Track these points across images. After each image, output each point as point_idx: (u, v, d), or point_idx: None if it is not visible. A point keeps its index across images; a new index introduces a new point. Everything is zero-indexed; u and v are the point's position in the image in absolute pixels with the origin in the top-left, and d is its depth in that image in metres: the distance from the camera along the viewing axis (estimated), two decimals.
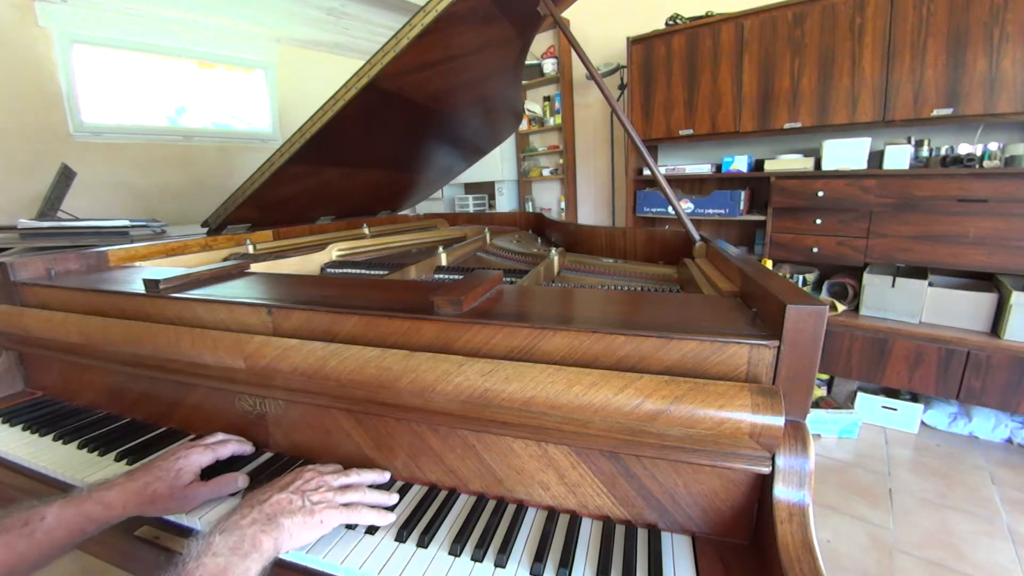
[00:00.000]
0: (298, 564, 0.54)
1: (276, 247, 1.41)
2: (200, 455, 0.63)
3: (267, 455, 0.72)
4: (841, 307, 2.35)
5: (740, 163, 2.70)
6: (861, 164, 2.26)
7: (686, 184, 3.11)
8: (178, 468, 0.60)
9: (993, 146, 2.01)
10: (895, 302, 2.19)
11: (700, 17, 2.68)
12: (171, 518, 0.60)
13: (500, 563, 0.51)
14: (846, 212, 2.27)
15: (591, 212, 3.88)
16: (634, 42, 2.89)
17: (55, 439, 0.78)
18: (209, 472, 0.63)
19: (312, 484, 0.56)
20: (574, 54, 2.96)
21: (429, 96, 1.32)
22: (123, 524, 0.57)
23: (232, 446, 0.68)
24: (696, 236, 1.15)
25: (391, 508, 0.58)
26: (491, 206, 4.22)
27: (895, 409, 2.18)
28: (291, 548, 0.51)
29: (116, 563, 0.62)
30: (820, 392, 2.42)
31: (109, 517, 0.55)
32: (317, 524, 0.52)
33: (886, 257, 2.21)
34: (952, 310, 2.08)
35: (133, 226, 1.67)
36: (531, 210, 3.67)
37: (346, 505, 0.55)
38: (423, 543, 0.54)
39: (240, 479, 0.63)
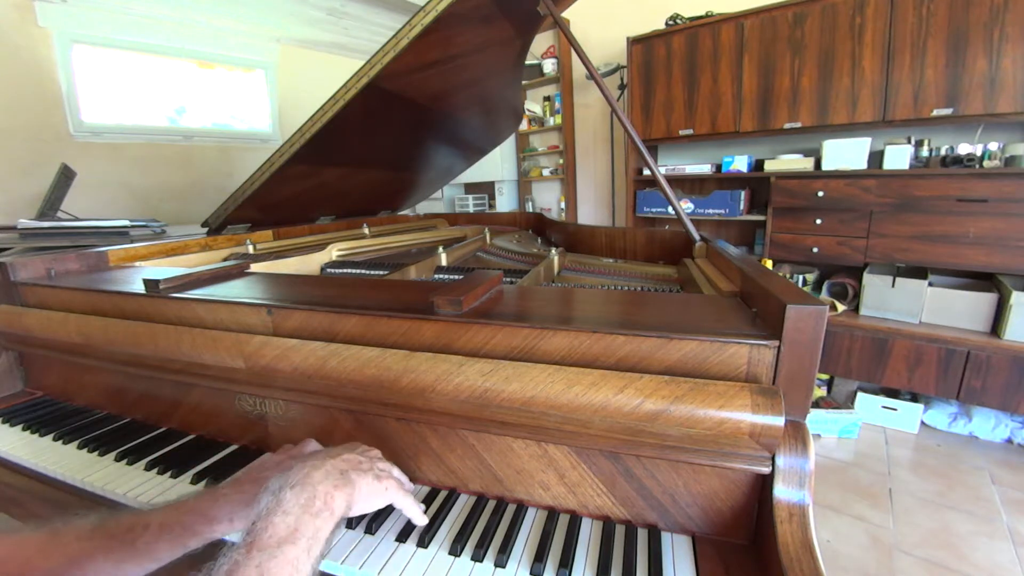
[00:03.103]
0: None
1: (276, 247, 1.41)
2: None
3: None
4: (841, 307, 2.35)
5: (740, 163, 2.70)
6: (861, 164, 2.25)
7: (686, 184, 3.11)
8: None
9: (993, 146, 2.01)
10: (895, 302, 2.19)
11: (700, 17, 2.67)
12: None
13: (500, 563, 0.51)
14: (846, 212, 2.27)
15: (591, 212, 3.87)
16: (634, 42, 2.89)
17: (55, 439, 0.78)
18: None
19: (374, 453, 0.55)
20: (574, 54, 2.97)
21: (429, 96, 1.32)
22: None
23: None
24: (696, 236, 1.15)
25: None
26: (491, 206, 4.21)
27: (895, 409, 2.18)
28: (360, 511, 0.49)
29: None
30: (820, 392, 2.42)
31: (215, 532, 0.51)
32: (382, 491, 0.51)
33: (886, 257, 2.21)
34: (952, 310, 2.08)
35: (133, 226, 1.68)
36: (531, 210, 3.67)
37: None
38: (423, 543, 0.54)
39: None
